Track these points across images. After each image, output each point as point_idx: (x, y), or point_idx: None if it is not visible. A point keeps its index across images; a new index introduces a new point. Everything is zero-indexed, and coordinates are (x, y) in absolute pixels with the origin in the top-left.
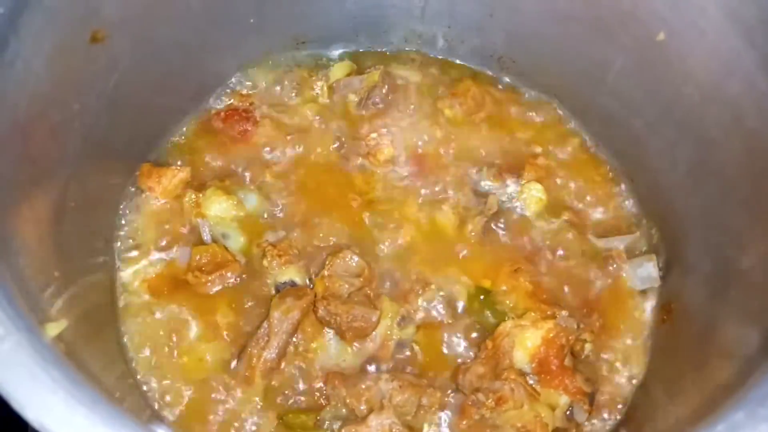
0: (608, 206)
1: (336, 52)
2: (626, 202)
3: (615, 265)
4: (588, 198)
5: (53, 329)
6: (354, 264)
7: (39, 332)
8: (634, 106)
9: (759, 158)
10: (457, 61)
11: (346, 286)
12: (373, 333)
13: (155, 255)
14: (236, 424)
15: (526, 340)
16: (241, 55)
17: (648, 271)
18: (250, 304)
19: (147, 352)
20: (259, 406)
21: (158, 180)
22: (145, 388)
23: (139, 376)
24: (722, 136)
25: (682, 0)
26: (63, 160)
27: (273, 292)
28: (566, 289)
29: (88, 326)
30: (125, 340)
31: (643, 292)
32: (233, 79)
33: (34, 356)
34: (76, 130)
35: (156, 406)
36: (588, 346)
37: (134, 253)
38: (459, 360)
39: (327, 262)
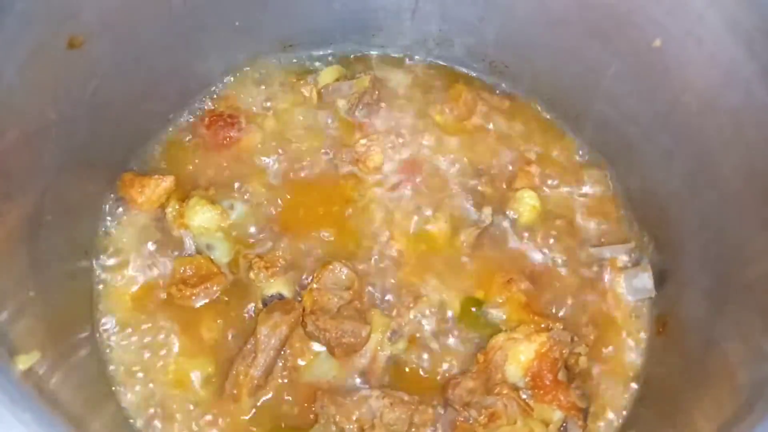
0: (603, 215)
1: (325, 56)
2: (621, 211)
3: (609, 276)
4: (582, 206)
5: (24, 362)
6: (343, 276)
7: (7, 367)
8: (629, 113)
9: (760, 171)
10: (449, 65)
11: (336, 299)
12: (363, 348)
13: (137, 268)
14: None
15: (520, 354)
16: (226, 58)
17: (643, 281)
18: (236, 318)
19: (129, 372)
20: (246, 425)
21: (141, 190)
22: (126, 410)
23: (121, 400)
24: (720, 146)
25: (679, 6)
26: (39, 172)
27: (260, 305)
28: (560, 300)
29: (65, 349)
30: (106, 360)
31: (638, 304)
32: (218, 84)
33: (1, 396)
34: (52, 139)
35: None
36: (582, 360)
37: (115, 267)
38: (451, 374)
39: (315, 275)
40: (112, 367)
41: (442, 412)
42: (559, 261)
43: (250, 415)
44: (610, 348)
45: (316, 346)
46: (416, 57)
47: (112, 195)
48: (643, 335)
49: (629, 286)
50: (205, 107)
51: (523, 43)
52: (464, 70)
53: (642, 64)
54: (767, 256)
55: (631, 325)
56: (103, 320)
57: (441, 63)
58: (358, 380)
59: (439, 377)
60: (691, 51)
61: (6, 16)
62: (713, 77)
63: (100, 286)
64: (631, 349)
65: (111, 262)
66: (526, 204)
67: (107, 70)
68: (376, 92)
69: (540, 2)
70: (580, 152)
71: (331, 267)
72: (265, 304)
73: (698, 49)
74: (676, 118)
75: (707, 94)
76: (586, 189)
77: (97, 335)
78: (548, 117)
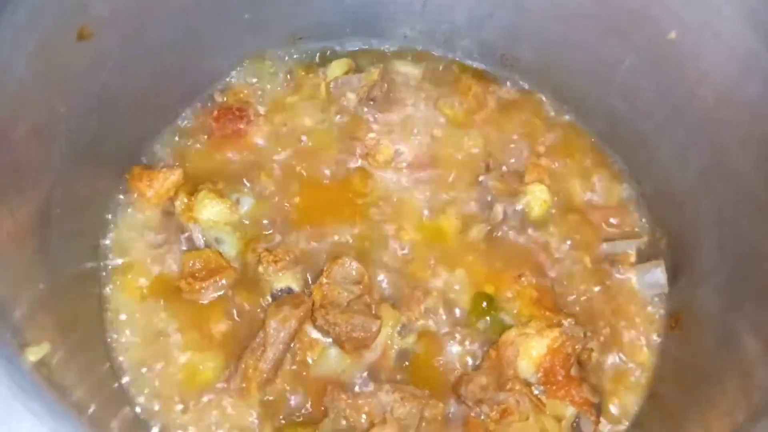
0: (615, 209)
1: (334, 49)
2: (634, 206)
3: (622, 271)
4: (594, 200)
5: (34, 354)
6: (353, 271)
7: (18, 359)
8: (643, 107)
9: None
10: (459, 59)
11: (345, 293)
12: (374, 342)
13: (146, 262)
14: None
15: (531, 349)
16: (235, 52)
17: (656, 276)
18: (245, 312)
19: (138, 365)
20: (255, 419)
21: (149, 183)
22: (137, 407)
23: (130, 393)
24: (737, 140)
25: None
26: (48, 165)
27: (269, 299)
28: (572, 295)
29: (74, 343)
30: (115, 354)
31: (651, 299)
32: (227, 77)
33: (12, 387)
34: (62, 132)
35: (147, 424)
36: (595, 356)
37: (124, 260)
38: (462, 370)
39: (325, 269)
40: (120, 359)
41: (453, 407)
42: (571, 256)
43: (259, 409)
44: (623, 344)
45: (326, 341)
46: (426, 50)
47: (121, 188)
48: (655, 331)
49: (642, 282)
50: (215, 100)
51: (534, 37)
52: (474, 63)
53: (657, 57)
54: None
55: (644, 321)
56: (112, 313)
57: (451, 56)
58: (368, 375)
59: (449, 372)
60: (708, 43)
61: (16, 8)
62: (730, 69)
63: (109, 280)
64: (643, 344)
65: (119, 255)
66: (537, 198)
67: (117, 63)
68: (386, 85)
69: None
70: (593, 146)
71: (340, 261)
72: (274, 298)
73: (715, 41)
74: (692, 111)
75: (724, 86)
76: (598, 183)
77: (106, 328)
78: (560, 111)
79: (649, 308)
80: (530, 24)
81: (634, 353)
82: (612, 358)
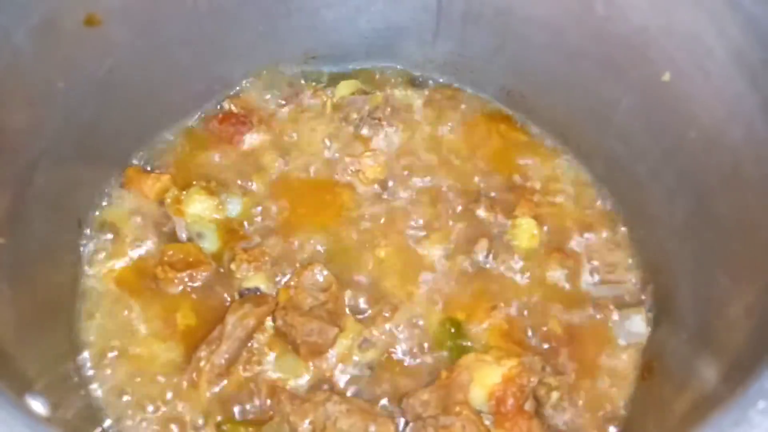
0: (602, 252)
1: (345, 70)
2: (622, 250)
3: (602, 315)
4: (582, 242)
5: None
6: (322, 278)
7: None
8: (639, 149)
9: (753, 208)
10: (467, 91)
11: (310, 299)
12: (331, 351)
13: (127, 247)
14: (174, 427)
15: (486, 377)
16: (247, 62)
17: (636, 324)
18: (212, 307)
19: (99, 346)
20: (200, 412)
21: (139, 187)
22: (91, 388)
23: (86, 374)
24: (720, 184)
25: (691, 40)
26: (38, 133)
27: (236, 297)
28: (544, 334)
29: (39, 314)
30: (77, 332)
31: (627, 347)
32: (237, 85)
33: None
34: (58, 107)
35: (97, 402)
36: (555, 395)
37: (105, 240)
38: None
39: (295, 273)
40: (82, 338)
41: (404, 427)
42: (551, 293)
43: (207, 402)
44: (590, 389)
45: (284, 344)
46: (433, 78)
47: (115, 173)
48: (628, 381)
49: (621, 329)
50: (222, 106)
51: (539, 73)
52: (481, 95)
53: (652, 98)
54: (748, 295)
55: (617, 368)
56: (83, 291)
57: (459, 87)
58: (319, 382)
59: (405, 392)
60: (698, 85)
61: None
62: (718, 112)
63: (86, 257)
64: (613, 392)
65: (102, 234)
66: (525, 231)
67: (125, 53)
68: (388, 109)
69: (557, 33)
70: (588, 189)
71: (311, 267)
72: (241, 296)
73: (705, 82)
74: (682, 155)
75: (712, 130)
76: (589, 225)
77: (74, 305)
78: (560, 151)
79: (624, 356)
80: (536, 61)
81: (602, 401)
82: (577, 403)
